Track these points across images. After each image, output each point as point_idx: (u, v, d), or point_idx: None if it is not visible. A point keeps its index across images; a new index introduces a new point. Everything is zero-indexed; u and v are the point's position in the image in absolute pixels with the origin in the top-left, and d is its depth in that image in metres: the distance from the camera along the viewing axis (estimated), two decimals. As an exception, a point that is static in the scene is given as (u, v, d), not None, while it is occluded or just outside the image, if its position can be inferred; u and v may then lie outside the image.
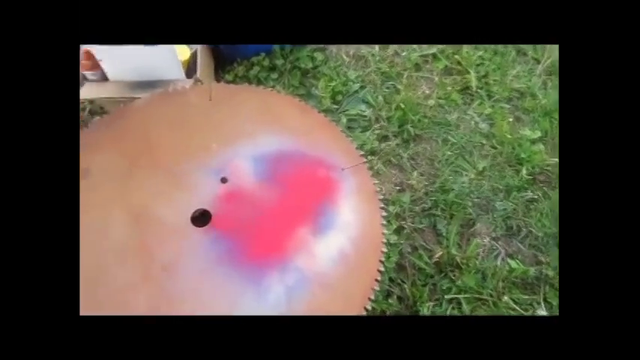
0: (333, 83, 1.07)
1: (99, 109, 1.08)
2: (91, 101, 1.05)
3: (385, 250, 0.54)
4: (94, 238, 0.54)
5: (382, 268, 0.53)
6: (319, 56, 1.13)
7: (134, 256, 0.52)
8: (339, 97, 1.07)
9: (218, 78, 1.08)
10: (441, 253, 0.88)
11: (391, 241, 0.87)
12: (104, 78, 0.94)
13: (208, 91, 0.67)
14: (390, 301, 0.83)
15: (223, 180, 0.58)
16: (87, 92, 0.89)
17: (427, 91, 1.12)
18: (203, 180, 0.58)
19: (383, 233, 0.55)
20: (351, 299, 0.51)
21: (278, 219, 0.55)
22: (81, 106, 1.09)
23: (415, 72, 1.16)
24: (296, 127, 0.64)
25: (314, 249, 0.53)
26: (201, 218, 0.56)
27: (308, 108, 0.67)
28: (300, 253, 0.53)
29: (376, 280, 0.52)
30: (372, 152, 0.99)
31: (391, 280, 0.85)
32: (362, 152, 0.62)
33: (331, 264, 0.52)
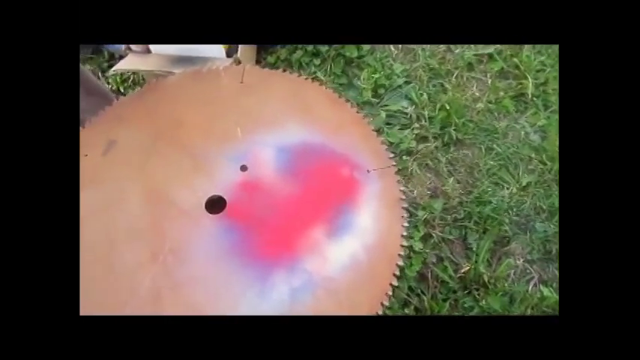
0: (377, 75, 1.02)
1: (141, 79, 1.09)
2: (135, 72, 1.07)
3: (401, 263, 0.50)
4: (109, 211, 0.54)
5: (395, 282, 0.49)
6: (366, 45, 1.08)
7: (144, 236, 0.52)
8: (381, 91, 1.02)
9: (260, 59, 1.06)
10: (467, 268, 0.83)
11: (416, 249, 0.83)
12: (147, 50, 0.94)
13: (241, 73, 0.65)
14: (406, 310, 0.79)
15: (243, 168, 0.56)
16: (128, 63, 0.90)
17: (477, 94, 1.05)
18: (223, 166, 0.56)
19: (401, 245, 0.51)
20: (358, 309, 0.48)
21: (293, 215, 0.53)
22: (124, 76, 1.12)
23: (467, 72, 1.08)
24: (325, 120, 0.61)
25: (326, 252, 0.50)
26: (215, 205, 0.54)
27: (341, 101, 0.63)
28: (310, 255, 0.50)
29: (386, 295, 0.48)
30: (409, 152, 0.94)
31: (410, 289, 0.81)
32: (392, 155, 0.58)
33: (341, 270, 0.49)
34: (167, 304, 0.48)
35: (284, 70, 0.67)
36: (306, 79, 0.65)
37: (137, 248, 0.51)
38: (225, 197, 0.54)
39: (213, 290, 0.48)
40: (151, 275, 0.49)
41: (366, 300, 0.48)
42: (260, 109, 0.61)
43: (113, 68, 0.92)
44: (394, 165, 0.57)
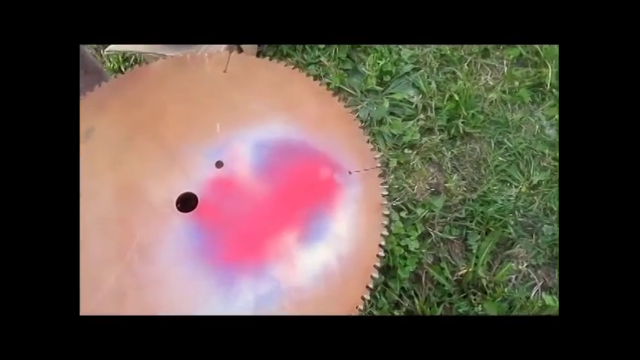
0: (383, 61, 0.96)
1: (143, 59, 1.07)
2: (134, 53, 1.04)
3: (376, 275, 0.47)
4: (84, 203, 0.52)
5: (367, 296, 0.46)
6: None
7: (113, 231, 0.50)
8: (387, 78, 0.96)
9: (262, 41, 1.02)
10: (466, 270, 0.79)
11: (411, 248, 0.79)
12: (145, 30, 0.91)
13: (225, 61, 0.61)
14: (396, 313, 0.76)
15: (218, 164, 0.53)
16: (121, 45, 0.87)
17: (490, 83, 0.98)
18: (198, 161, 0.54)
19: (378, 255, 0.48)
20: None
21: (264, 217, 0.50)
22: (125, 54, 1.10)
23: (481, 58, 1.01)
24: (309, 116, 0.57)
25: (296, 259, 0.47)
26: (188, 202, 0.52)
27: (328, 94, 0.59)
28: (279, 261, 0.47)
29: (357, 309, 0.45)
30: (411, 145, 0.89)
31: (403, 290, 0.78)
32: (377, 155, 0.54)
33: (311, 280, 0.46)
34: (129, 304, 0.46)
35: (270, 59, 0.63)
36: (293, 68, 0.61)
37: (105, 244, 0.50)
38: (197, 195, 0.52)
39: (176, 294, 0.47)
40: (116, 273, 0.48)
41: (335, 314, 0.45)
42: (241, 102, 0.58)
43: (107, 49, 0.90)
44: (378, 167, 0.53)
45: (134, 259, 0.49)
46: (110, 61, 1.10)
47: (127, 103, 0.61)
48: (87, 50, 0.86)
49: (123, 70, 1.10)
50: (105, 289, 0.47)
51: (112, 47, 0.89)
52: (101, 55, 1.14)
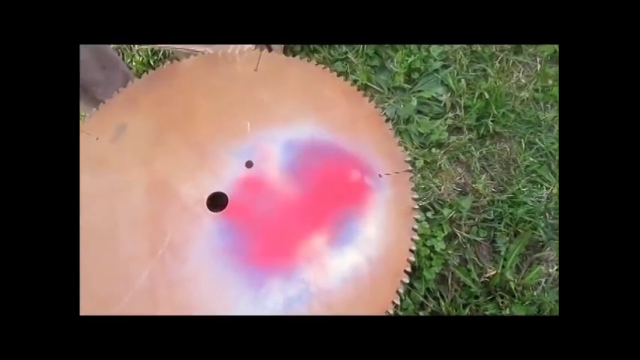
0: (412, 58, 0.94)
1: (171, 52, 1.08)
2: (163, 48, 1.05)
3: (406, 280, 0.46)
4: (113, 199, 0.53)
5: (397, 301, 0.46)
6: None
7: (145, 228, 0.51)
8: (415, 75, 0.94)
9: (289, 37, 1.01)
10: (493, 273, 0.77)
11: (437, 249, 0.78)
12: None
13: (255, 58, 0.61)
14: (421, 314, 0.75)
15: (248, 164, 0.54)
16: (152, 40, 0.88)
17: (523, 80, 0.95)
18: (228, 161, 0.54)
19: (408, 260, 0.47)
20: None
21: (295, 219, 0.50)
22: (154, 49, 1.11)
23: (514, 55, 0.98)
24: (339, 116, 0.56)
25: (326, 262, 0.47)
26: (218, 202, 0.53)
27: (358, 95, 0.58)
28: (309, 264, 0.47)
29: (386, 313, 0.45)
30: (439, 145, 0.88)
31: (428, 291, 0.77)
32: (408, 158, 0.53)
33: (340, 283, 0.46)
34: (161, 301, 0.47)
35: (297, 55, 0.62)
36: (324, 68, 0.61)
37: (137, 240, 0.51)
38: (227, 194, 0.52)
39: (207, 293, 0.47)
40: (148, 270, 0.49)
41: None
42: (272, 102, 0.58)
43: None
44: (409, 170, 0.52)
45: (166, 257, 0.49)
46: (140, 54, 1.12)
47: (159, 101, 0.61)
48: (107, 46, 0.87)
49: (152, 63, 1.12)
50: (137, 286, 0.48)
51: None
52: (130, 49, 1.15)
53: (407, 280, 0.46)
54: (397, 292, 0.46)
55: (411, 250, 0.47)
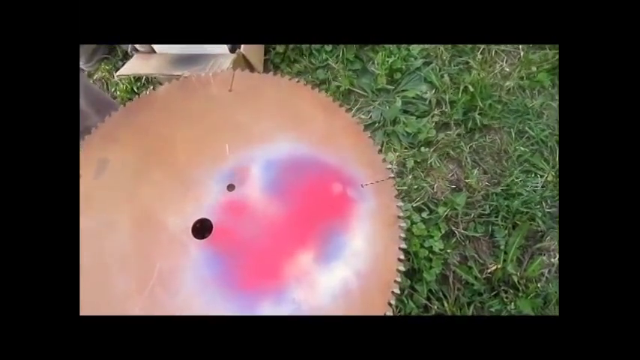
0: (392, 58, 0.94)
1: (153, 78, 1.08)
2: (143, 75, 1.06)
3: (397, 291, 0.46)
4: (100, 238, 0.53)
5: (390, 313, 0.45)
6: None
7: (133, 264, 0.51)
8: (398, 75, 0.94)
9: (268, 49, 1.01)
10: (495, 267, 0.76)
11: (435, 250, 0.77)
12: (152, 50, 0.92)
13: (229, 79, 0.61)
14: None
15: (230, 187, 0.53)
16: (130, 68, 0.89)
17: (507, 69, 0.94)
18: (210, 186, 0.54)
19: (398, 270, 0.46)
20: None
21: (280, 239, 0.49)
22: (136, 77, 1.11)
23: (495, 45, 0.97)
24: (317, 130, 0.56)
25: (315, 280, 0.47)
26: (202, 229, 0.52)
27: (334, 106, 0.57)
28: (299, 283, 0.47)
29: (380, 327, 0.44)
30: (428, 143, 0.87)
31: (431, 292, 0.76)
32: (389, 166, 0.52)
33: (331, 300, 0.46)
34: (155, 336, 0.47)
35: (275, 73, 0.62)
36: (297, 82, 0.60)
37: (126, 277, 0.50)
38: (211, 220, 0.52)
39: (199, 323, 0.47)
40: (140, 306, 0.49)
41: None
42: (249, 121, 0.58)
43: (116, 74, 0.92)
44: (391, 177, 0.51)
45: (156, 291, 0.49)
46: (122, 83, 1.12)
47: (137, 132, 0.61)
48: (95, 87, 0.87)
49: (136, 89, 1.12)
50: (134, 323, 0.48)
51: (121, 72, 0.90)
52: (113, 77, 1.16)
53: (398, 291, 0.46)
54: (389, 303, 0.45)
55: (399, 260, 0.47)
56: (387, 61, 0.93)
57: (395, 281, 0.46)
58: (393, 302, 0.45)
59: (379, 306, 0.45)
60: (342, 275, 0.47)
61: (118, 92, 1.12)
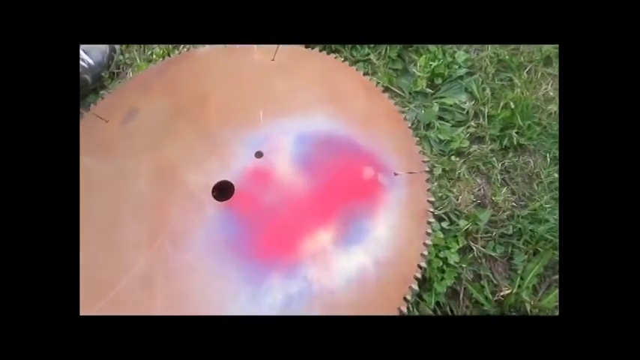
0: (435, 63, 0.91)
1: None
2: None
3: (416, 287, 0.43)
4: (118, 185, 0.52)
5: (404, 309, 0.42)
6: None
7: (147, 215, 0.49)
8: (438, 81, 0.91)
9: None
10: (508, 291, 0.73)
11: (450, 261, 0.74)
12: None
13: (274, 49, 0.60)
14: (429, 328, 0.71)
15: (258, 154, 0.52)
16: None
17: (551, 93, 0.91)
18: (238, 150, 0.52)
19: (419, 266, 0.44)
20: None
21: (302, 214, 0.47)
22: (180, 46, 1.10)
23: (543, 67, 0.94)
24: (356, 111, 0.54)
25: (331, 261, 0.45)
26: (224, 191, 0.51)
27: (377, 90, 0.56)
28: (314, 261, 0.45)
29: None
30: (459, 153, 0.84)
31: (438, 305, 0.73)
32: (426, 159, 0.50)
33: (345, 284, 0.43)
34: (157, 290, 0.45)
35: (321, 50, 0.60)
36: (343, 61, 0.59)
37: (138, 227, 0.49)
38: (234, 183, 0.50)
39: (204, 286, 0.45)
40: (146, 258, 0.47)
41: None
42: (287, 91, 0.56)
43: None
44: (426, 171, 0.49)
45: (165, 246, 0.48)
46: (160, 47, 1.12)
47: (172, 86, 0.60)
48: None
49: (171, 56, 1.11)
50: (133, 273, 0.46)
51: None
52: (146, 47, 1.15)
53: (416, 287, 0.43)
54: (404, 298, 0.43)
55: (422, 255, 0.44)
56: (430, 65, 0.91)
57: (414, 277, 0.44)
58: (409, 297, 0.43)
59: (394, 299, 0.43)
60: (360, 261, 0.44)
61: (154, 56, 1.12)
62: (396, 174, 0.49)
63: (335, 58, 0.59)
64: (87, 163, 0.53)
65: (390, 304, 0.43)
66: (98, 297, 0.44)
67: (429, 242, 0.45)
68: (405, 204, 0.47)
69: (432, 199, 0.47)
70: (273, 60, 0.59)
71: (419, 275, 0.43)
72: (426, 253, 0.44)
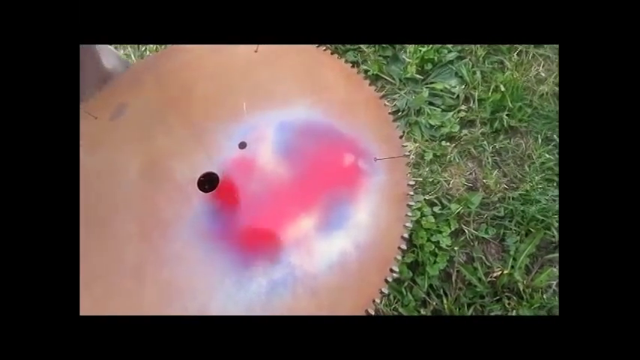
0: (425, 48, 0.91)
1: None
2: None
3: (396, 268, 0.44)
4: (107, 179, 0.53)
5: (386, 290, 0.44)
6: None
7: (136, 208, 0.51)
8: (428, 66, 0.92)
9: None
10: (501, 272, 0.74)
11: (442, 245, 0.75)
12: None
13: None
14: (422, 311, 0.73)
15: (242, 145, 0.53)
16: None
17: (542, 74, 0.91)
18: (222, 141, 0.53)
19: (399, 248, 0.45)
20: (337, 313, 0.44)
21: (284, 202, 0.49)
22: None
23: (534, 48, 0.94)
24: (337, 99, 0.54)
25: (313, 246, 0.46)
26: (208, 182, 0.52)
27: (358, 78, 0.56)
28: (297, 247, 0.46)
29: (373, 302, 0.43)
30: (450, 138, 0.85)
31: (431, 287, 0.74)
32: (406, 144, 0.51)
33: (326, 269, 0.45)
34: (147, 279, 0.47)
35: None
36: (324, 50, 0.59)
37: (128, 220, 0.50)
38: (219, 175, 0.51)
39: (192, 273, 0.46)
40: (135, 249, 0.49)
41: (349, 305, 0.43)
42: (269, 83, 0.57)
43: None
44: (406, 155, 0.50)
45: (153, 236, 0.49)
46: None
47: (160, 79, 0.61)
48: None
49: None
50: (126, 264, 0.48)
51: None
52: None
53: (397, 269, 0.44)
54: (385, 280, 0.44)
55: (402, 238, 0.45)
56: (420, 51, 0.91)
57: (395, 259, 0.45)
58: (390, 280, 0.44)
59: (375, 281, 0.44)
60: (342, 245, 0.46)
61: (147, 52, 1.13)
62: (376, 159, 0.50)
63: (317, 47, 0.59)
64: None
65: (371, 286, 0.44)
66: (92, 286, 0.46)
67: (409, 225, 0.46)
68: (385, 188, 0.48)
69: (412, 182, 0.48)
70: (256, 51, 0.60)
71: (399, 257, 0.45)
72: (406, 235, 0.45)
